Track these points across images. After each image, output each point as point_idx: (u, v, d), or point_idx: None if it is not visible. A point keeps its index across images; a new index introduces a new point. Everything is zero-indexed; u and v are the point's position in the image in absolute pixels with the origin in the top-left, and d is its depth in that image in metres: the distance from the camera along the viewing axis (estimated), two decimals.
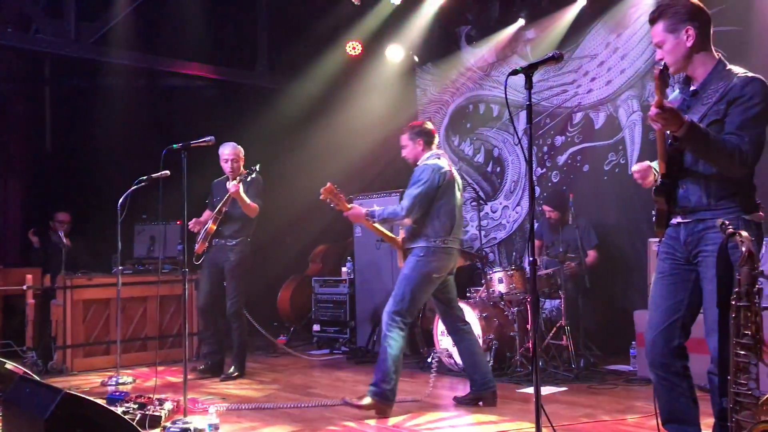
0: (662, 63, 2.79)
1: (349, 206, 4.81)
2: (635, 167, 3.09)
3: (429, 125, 4.99)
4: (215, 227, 6.03)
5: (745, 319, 2.26)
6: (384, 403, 4.56)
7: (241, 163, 6.11)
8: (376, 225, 4.86)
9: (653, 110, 2.70)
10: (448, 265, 4.80)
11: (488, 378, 4.83)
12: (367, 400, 4.53)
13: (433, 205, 4.71)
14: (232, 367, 6.17)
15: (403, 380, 5.86)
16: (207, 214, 6.23)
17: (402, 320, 4.63)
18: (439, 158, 4.84)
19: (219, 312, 6.29)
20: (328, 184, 4.78)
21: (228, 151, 6.08)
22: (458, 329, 4.96)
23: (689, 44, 2.90)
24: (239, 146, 6.16)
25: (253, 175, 5.91)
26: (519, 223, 7.89)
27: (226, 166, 6.09)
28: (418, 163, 4.87)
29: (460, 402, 4.91)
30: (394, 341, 4.59)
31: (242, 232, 6.14)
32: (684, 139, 2.77)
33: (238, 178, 5.84)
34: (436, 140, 4.97)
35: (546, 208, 6.60)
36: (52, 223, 7.86)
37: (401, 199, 7.33)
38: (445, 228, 4.72)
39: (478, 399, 4.83)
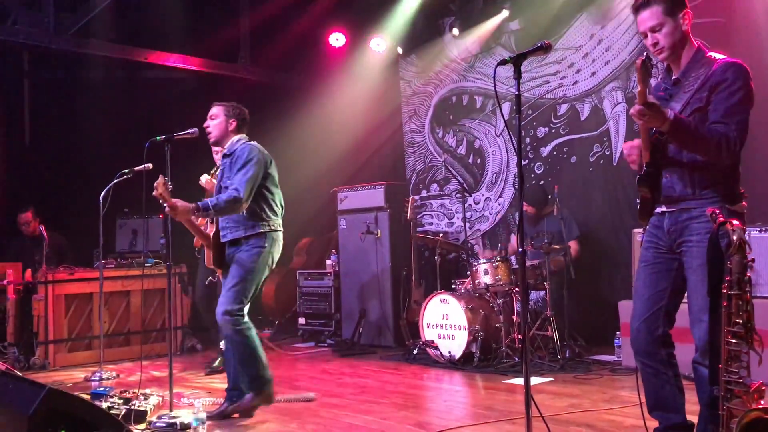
0: (644, 54, 2.78)
1: (173, 200, 4.13)
2: (625, 145, 3.10)
3: (247, 114, 4.61)
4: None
5: (737, 307, 2.26)
6: (267, 392, 4.39)
7: None
8: (193, 219, 4.36)
9: (637, 107, 2.72)
10: (280, 251, 4.50)
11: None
12: (249, 397, 4.33)
13: (266, 188, 4.39)
14: (218, 360, 6.13)
15: (387, 372, 5.87)
16: None
17: (244, 315, 4.31)
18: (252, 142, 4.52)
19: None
20: (161, 178, 4.19)
21: None
22: None
23: (685, 28, 2.92)
24: None
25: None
26: (502, 214, 7.90)
27: (218, 158, 6.03)
28: (224, 145, 4.51)
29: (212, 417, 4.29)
30: (246, 336, 4.28)
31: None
32: (669, 133, 2.78)
33: (210, 172, 5.73)
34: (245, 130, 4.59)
35: (525, 205, 6.62)
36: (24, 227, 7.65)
37: (385, 191, 7.49)
38: (278, 213, 4.47)
39: (235, 411, 4.38)
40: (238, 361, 4.36)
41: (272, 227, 4.39)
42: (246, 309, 4.36)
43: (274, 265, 4.48)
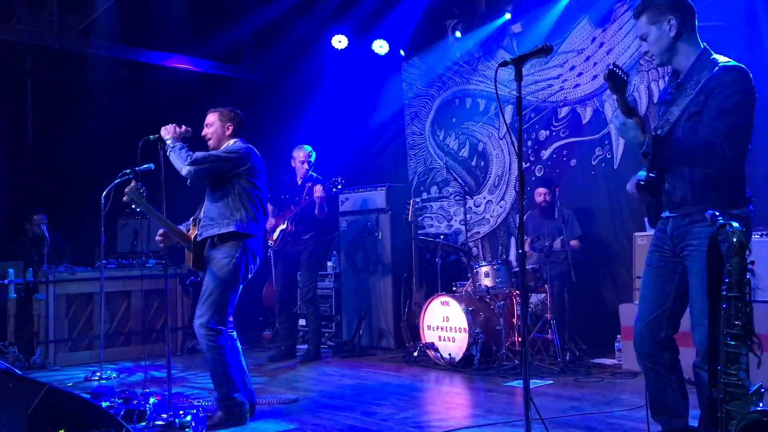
0: (611, 63, 2.81)
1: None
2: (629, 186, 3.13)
3: (243, 117, 4.56)
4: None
5: (736, 309, 2.26)
6: (239, 412, 4.20)
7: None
8: (162, 217, 4.35)
9: (618, 121, 2.81)
10: (258, 260, 4.39)
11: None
12: (219, 415, 4.15)
13: (245, 189, 4.28)
14: (308, 350, 6.72)
15: (387, 374, 5.87)
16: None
17: (221, 331, 4.17)
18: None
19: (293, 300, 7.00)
20: (132, 183, 4.27)
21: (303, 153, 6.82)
22: None
23: (672, 35, 2.92)
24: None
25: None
26: (503, 217, 7.89)
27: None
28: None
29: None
30: (220, 355, 4.14)
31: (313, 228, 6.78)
32: (649, 152, 2.83)
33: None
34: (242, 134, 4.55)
35: (540, 190, 6.57)
36: (35, 218, 7.71)
37: (387, 193, 7.49)
38: (257, 218, 4.32)
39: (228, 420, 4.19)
40: (210, 376, 4.25)
41: (246, 230, 4.22)
42: (228, 321, 4.23)
43: (250, 275, 4.33)
